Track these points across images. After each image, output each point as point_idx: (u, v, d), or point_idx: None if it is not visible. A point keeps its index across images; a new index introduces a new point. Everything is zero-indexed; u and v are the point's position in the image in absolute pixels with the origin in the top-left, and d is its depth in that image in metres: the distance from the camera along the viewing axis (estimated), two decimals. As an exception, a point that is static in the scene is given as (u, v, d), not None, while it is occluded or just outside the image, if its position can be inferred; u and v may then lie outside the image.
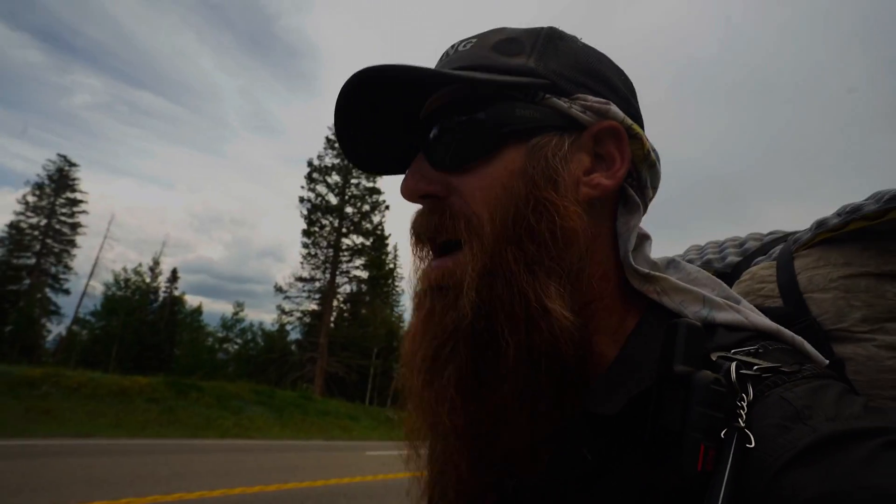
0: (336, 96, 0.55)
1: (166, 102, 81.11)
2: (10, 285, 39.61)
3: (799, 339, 0.52)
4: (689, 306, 0.53)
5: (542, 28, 0.58)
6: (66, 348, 37.51)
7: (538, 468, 0.51)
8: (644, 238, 0.57)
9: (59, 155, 48.03)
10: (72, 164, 42.46)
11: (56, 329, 40.97)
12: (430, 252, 0.57)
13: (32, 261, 40.38)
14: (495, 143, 0.53)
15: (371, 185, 35.39)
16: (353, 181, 35.32)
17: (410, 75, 0.52)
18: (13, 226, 40.54)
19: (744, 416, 0.41)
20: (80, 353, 37.64)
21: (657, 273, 0.54)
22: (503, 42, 0.56)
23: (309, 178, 34.84)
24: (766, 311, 0.55)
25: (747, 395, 0.43)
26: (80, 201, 42.35)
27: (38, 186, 41.35)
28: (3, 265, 39.94)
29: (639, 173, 0.58)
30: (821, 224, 0.64)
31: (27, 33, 68.82)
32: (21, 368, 16.80)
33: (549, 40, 0.57)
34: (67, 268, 41.54)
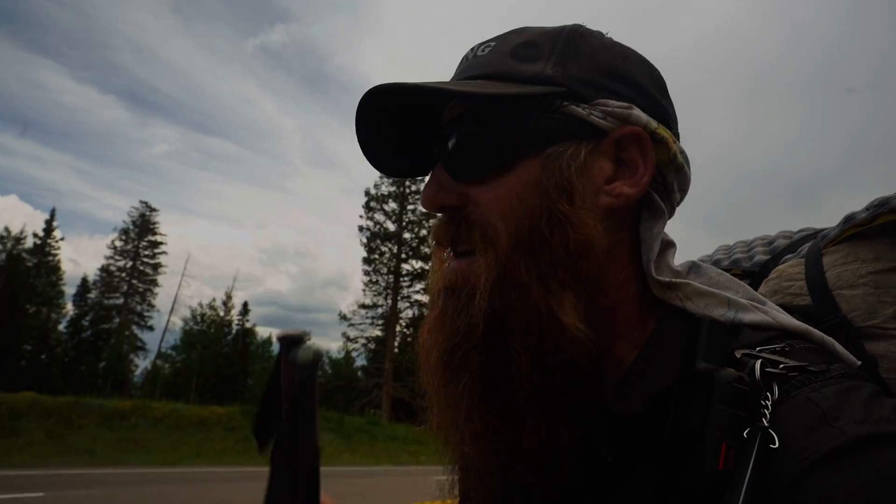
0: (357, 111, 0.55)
1: (233, 146, 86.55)
2: (103, 324, 42.98)
3: (829, 339, 0.50)
4: (714, 310, 0.51)
5: (565, 27, 0.57)
6: (152, 381, 40.01)
7: (562, 473, 0.50)
8: (668, 245, 0.55)
9: (141, 201, 52.28)
10: (152, 210, 46.00)
11: (143, 363, 43.93)
12: (450, 254, 0.57)
13: (121, 300, 43.71)
14: (510, 155, 0.52)
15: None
16: (410, 207, 36.01)
17: (419, 92, 0.52)
18: (104, 269, 44.21)
19: (768, 416, 0.40)
20: (164, 386, 40.00)
21: (679, 280, 0.53)
22: (520, 46, 0.55)
23: (367, 206, 35.88)
24: (794, 309, 0.54)
25: (772, 394, 0.42)
26: (160, 243, 45.67)
27: (124, 231, 45.00)
28: (97, 306, 43.46)
29: (664, 177, 0.56)
30: (849, 219, 0.62)
31: (113, 95, 75.94)
32: (113, 401, 18.05)
33: (570, 42, 0.55)
34: (151, 306, 44.67)
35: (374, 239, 35.72)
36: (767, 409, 0.41)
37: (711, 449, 0.39)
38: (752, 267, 0.74)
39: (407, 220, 36.02)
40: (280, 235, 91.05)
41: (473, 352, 0.50)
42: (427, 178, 0.59)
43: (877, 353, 0.54)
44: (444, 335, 0.52)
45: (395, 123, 0.58)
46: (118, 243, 44.69)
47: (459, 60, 0.59)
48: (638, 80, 0.55)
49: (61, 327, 42.82)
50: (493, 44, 0.56)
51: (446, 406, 0.52)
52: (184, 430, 16.55)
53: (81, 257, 77.53)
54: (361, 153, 0.61)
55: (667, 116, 0.56)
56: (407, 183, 35.61)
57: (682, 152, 0.56)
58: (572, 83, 0.52)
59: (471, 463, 0.54)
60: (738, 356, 0.46)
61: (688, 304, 0.52)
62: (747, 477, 0.37)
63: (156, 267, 45.29)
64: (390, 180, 35.80)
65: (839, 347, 0.49)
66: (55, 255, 42.31)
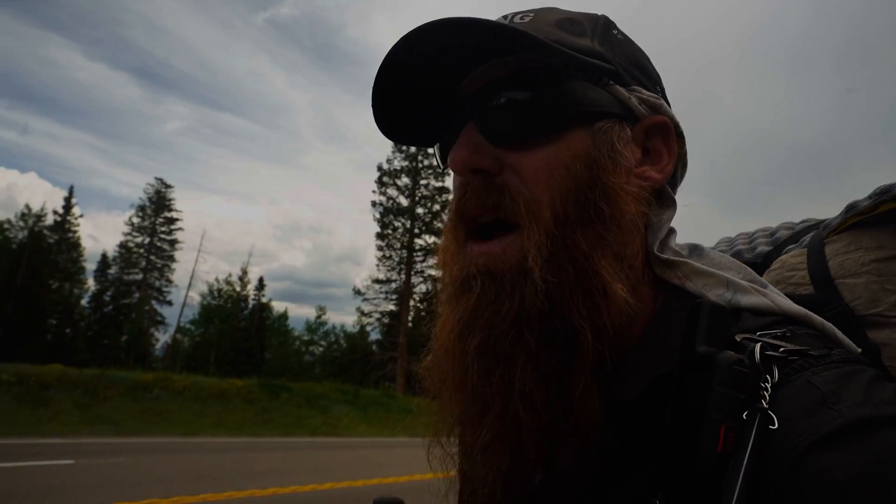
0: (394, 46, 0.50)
1: (246, 122, 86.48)
2: (123, 299, 43.93)
3: (829, 325, 0.50)
4: (713, 289, 0.52)
5: (598, 14, 0.58)
6: (172, 355, 40.96)
7: (564, 460, 0.50)
8: (671, 231, 0.57)
9: (156, 178, 52.74)
10: (167, 186, 46.38)
11: (163, 337, 44.98)
12: (466, 232, 0.54)
13: (140, 276, 44.52)
14: (563, 123, 0.51)
15: (440, 184, 35.77)
16: (423, 182, 35.87)
17: (496, 30, 0.48)
18: (122, 245, 44.97)
19: (767, 398, 0.40)
20: (184, 359, 40.97)
21: (678, 258, 0.53)
22: (565, 21, 0.55)
23: (379, 182, 35.82)
24: (797, 299, 0.54)
25: (772, 376, 0.42)
26: (177, 219, 46.18)
27: (141, 208, 45.54)
28: (117, 281, 44.36)
29: (675, 171, 0.58)
30: (851, 207, 0.62)
31: (125, 72, 75.94)
32: (136, 374, 18.54)
33: (607, 27, 0.56)
34: (169, 281, 45.42)
35: (387, 214, 35.74)
36: (767, 392, 0.41)
37: (711, 431, 0.39)
38: (754, 258, 0.74)
39: (420, 195, 35.93)
40: (294, 211, 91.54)
41: (527, 333, 0.48)
42: (458, 140, 0.54)
43: (880, 342, 0.55)
44: (485, 323, 0.49)
45: (416, 79, 0.55)
46: (135, 220, 45.32)
47: None
48: (656, 78, 0.58)
49: (84, 302, 43.90)
50: (531, 14, 0.55)
51: (491, 396, 0.49)
52: (204, 401, 16.99)
53: (100, 233, 78.92)
54: (372, 103, 0.56)
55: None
56: (419, 157, 35.42)
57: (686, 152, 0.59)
58: (616, 64, 0.54)
59: (514, 456, 0.50)
60: (739, 340, 0.46)
61: (686, 283, 0.53)
62: (746, 458, 0.37)
63: (172, 243, 45.92)
64: (403, 155, 35.60)
65: (839, 334, 0.50)
66: (75, 231, 43.05)
